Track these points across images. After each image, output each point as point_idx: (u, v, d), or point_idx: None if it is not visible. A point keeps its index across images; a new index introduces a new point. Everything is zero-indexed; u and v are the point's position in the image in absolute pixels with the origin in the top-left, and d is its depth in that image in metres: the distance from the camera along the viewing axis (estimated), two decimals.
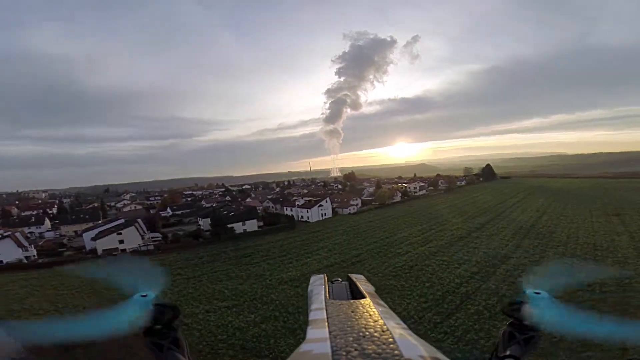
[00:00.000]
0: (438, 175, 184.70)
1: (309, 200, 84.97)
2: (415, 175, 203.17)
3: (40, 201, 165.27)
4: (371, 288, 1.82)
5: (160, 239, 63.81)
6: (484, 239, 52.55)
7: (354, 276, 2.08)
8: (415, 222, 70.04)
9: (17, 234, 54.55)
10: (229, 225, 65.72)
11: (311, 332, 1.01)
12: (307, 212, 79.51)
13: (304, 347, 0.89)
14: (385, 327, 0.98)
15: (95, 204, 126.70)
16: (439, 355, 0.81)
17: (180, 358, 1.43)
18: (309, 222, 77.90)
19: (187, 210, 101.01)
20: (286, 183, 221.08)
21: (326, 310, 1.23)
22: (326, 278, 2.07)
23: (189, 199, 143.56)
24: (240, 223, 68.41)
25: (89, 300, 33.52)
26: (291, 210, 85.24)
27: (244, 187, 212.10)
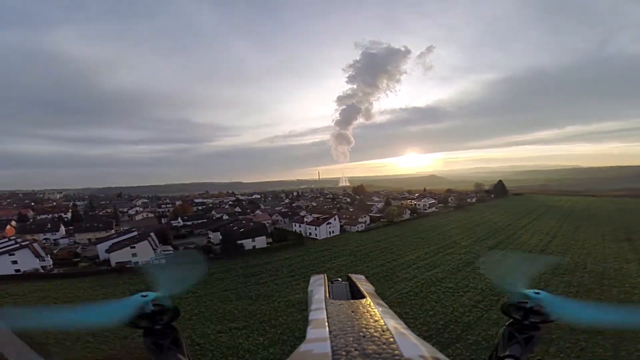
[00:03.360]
0: (448, 190, 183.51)
1: (318, 218, 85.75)
2: (425, 189, 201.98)
3: (54, 203, 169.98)
4: (371, 288, 1.89)
5: (171, 252, 65.30)
6: None
7: (354, 276, 2.17)
8: (424, 243, 69.97)
9: (35, 245, 56.44)
10: (239, 242, 67.02)
11: (311, 332, 1.03)
12: (316, 229, 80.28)
13: (304, 347, 0.91)
14: (385, 327, 0.99)
15: (109, 210, 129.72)
16: (439, 355, 0.82)
17: (180, 358, 1.50)
18: (316, 239, 78.56)
19: (198, 222, 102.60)
20: (295, 194, 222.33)
21: (326, 310, 1.27)
22: (326, 278, 2.14)
23: (200, 208, 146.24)
24: (250, 240, 69.61)
25: None
26: (300, 226, 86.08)
27: (253, 196, 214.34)
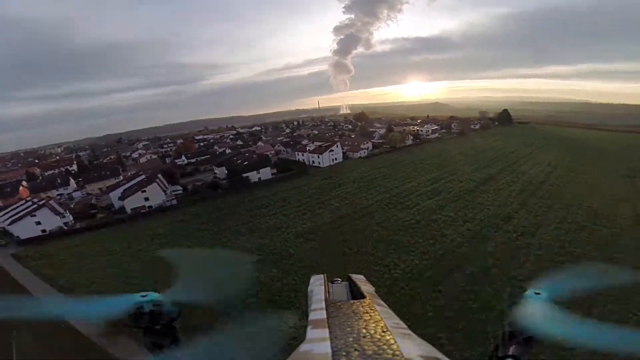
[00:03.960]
0: (452, 117, 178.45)
1: (320, 146, 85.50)
2: (428, 116, 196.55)
3: (57, 157, 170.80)
4: (371, 288, 1.91)
5: (181, 191, 67.26)
6: (491, 194, 53.01)
7: (354, 276, 2.19)
8: (426, 169, 70.56)
9: (51, 202, 57.78)
10: (244, 175, 68.22)
11: (311, 332, 1.04)
12: (319, 157, 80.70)
13: (304, 347, 0.91)
14: (385, 327, 1.00)
15: (112, 157, 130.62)
16: (439, 355, 0.83)
17: (180, 358, 1.54)
18: (320, 167, 79.44)
19: (202, 158, 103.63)
20: (295, 124, 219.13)
21: (326, 310, 1.28)
22: (326, 278, 2.18)
23: (202, 144, 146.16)
24: (255, 172, 70.78)
25: (133, 263, 37.16)
26: (302, 155, 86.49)
27: (253, 128, 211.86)
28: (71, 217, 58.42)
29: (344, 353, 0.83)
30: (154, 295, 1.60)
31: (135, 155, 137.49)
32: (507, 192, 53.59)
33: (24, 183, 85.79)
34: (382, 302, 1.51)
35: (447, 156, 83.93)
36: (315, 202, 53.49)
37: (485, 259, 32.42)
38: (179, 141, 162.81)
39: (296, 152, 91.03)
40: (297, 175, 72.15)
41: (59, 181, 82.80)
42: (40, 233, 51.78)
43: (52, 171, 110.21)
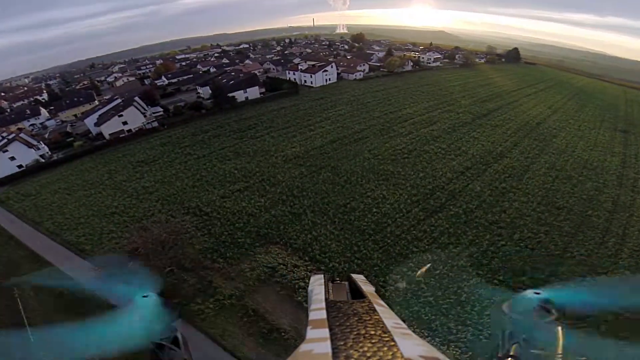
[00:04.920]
0: (457, 47, 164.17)
1: (313, 65, 78.64)
2: (431, 44, 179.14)
3: (26, 88, 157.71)
4: (371, 288, 1.81)
5: (162, 113, 62.38)
6: (486, 129, 50.14)
7: (354, 276, 2.04)
8: (423, 98, 65.98)
9: (22, 135, 52.94)
10: (230, 95, 63.20)
11: (311, 332, 1.03)
12: (311, 77, 74.40)
13: (304, 347, 0.91)
14: (385, 327, 1.00)
15: (85, 82, 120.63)
16: (439, 355, 0.82)
17: (181, 358, 1.48)
18: (312, 87, 73.49)
19: (184, 77, 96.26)
20: (287, 41, 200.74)
21: (326, 310, 1.25)
22: (326, 278, 2.04)
23: (184, 64, 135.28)
24: (242, 91, 65.65)
25: (116, 197, 34.41)
26: (294, 74, 79.68)
27: (241, 46, 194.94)
28: (47, 148, 54.29)
29: (344, 353, 0.84)
30: (155, 295, 1.62)
31: (110, 79, 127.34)
32: (503, 130, 50.91)
33: None
34: (382, 302, 1.44)
35: (447, 86, 78.44)
36: (306, 124, 49.76)
37: (471, 200, 30.91)
38: (158, 61, 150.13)
39: (287, 71, 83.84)
40: (287, 95, 66.74)
41: (28, 112, 76.59)
42: (17, 169, 47.97)
43: (22, 102, 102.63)
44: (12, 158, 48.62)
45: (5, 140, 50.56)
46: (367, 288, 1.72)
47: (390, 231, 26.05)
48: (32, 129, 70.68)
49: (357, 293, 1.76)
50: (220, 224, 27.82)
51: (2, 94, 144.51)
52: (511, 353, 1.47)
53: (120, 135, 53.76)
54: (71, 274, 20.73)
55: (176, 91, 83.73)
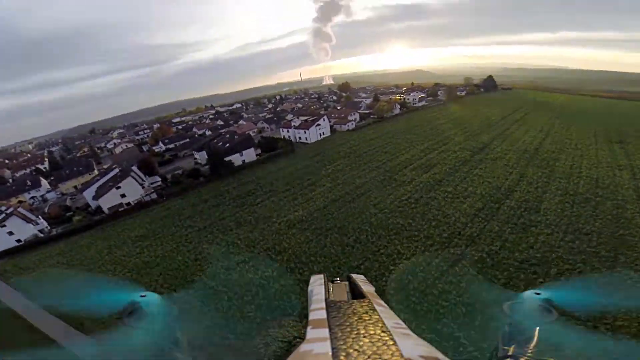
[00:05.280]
0: (437, 84, 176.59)
1: (306, 120, 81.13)
2: (412, 83, 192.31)
3: (29, 155, 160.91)
4: (371, 288, 1.85)
5: (160, 183, 62.97)
6: (488, 164, 51.01)
7: (354, 276, 2.10)
8: (417, 139, 67.82)
9: (20, 209, 53.11)
10: (227, 159, 64.18)
11: (311, 332, 1.04)
12: (305, 132, 76.60)
13: (304, 347, 0.91)
14: (385, 327, 1.00)
15: (85, 149, 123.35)
16: (439, 355, 0.82)
17: (180, 357, 1.47)
18: (307, 143, 75.51)
19: (181, 142, 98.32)
20: (278, 98, 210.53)
21: (326, 310, 1.26)
22: (326, 278, 2.08)
23: (180, 127, 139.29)
24: (238, 154, 66.73)
25: (116, 271, 34.04)
26: (288, 131, 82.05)
27: (234, 106, 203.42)
28: (45, 223, 54.31)
29: (344, 353, 0.84)
30: (153, 296, 1.61)
31: (110, 145, 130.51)
32: (504, 162, 51.59)
33: None
34: (382, 302, 1.46)
35: (437, 125, 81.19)
36: (306, 184, 50.12)
37: (493, 241, 30.14)
38: (155, 125, 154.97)
39: (281, 129, 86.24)
40: (283, 155, 68.25)
41: (29, 183, 77.06)
42: (16, 243, 48.43)
43: (24, 171, 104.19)
44: (10, 233, 48.85)
45: (4, 215, 50.80)
46: (367, 288, 1.74)
47: (414, 287, 24.94)
48: (33, 202, 71.50)
49: (357, 293, 1.74)
50: (227, 298, 26.96)
51: (6, 161, 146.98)
52: (510, 353, 1.48)
53: (120, 209, 53.64)
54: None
55: (174, 157, 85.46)
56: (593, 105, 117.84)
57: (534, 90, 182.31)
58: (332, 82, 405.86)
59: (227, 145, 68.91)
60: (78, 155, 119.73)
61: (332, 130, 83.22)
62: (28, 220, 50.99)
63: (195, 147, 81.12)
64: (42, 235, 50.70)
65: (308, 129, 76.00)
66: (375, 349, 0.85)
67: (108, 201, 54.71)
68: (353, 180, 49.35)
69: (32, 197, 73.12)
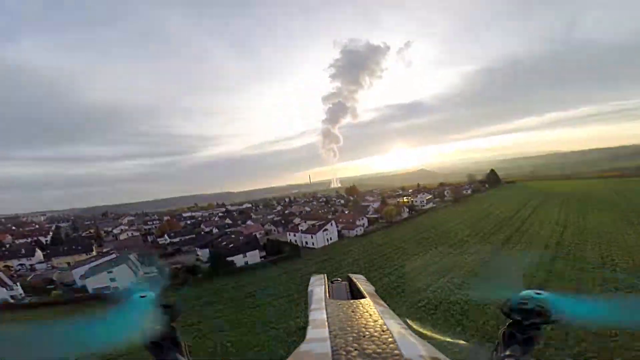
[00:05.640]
0: (442, 184, 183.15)
1: (313, 225, 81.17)
2: (418, 185, 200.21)
3: (37, 226, 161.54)
4: (371, 288, 1.82)
5: (155, 274, 59.91)
6: (509, 265, 48.50)
7: (354, 276, 2.08)
8: (429, 243, 65.31)
9: (0, 273, 51.66)
10: (229, 259, 62.48)
11: (311, 332, 1.03)
12: (312, 237, 75.76)
13: (304, 347, 0.91)
14: (385, 326, 1.01)
15: (91, 231, 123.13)
16: (439, 355, 0.82)
17: (180, 358, 1.46)
18: (314, 248, 74.00)
19: (187, 237, 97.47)
20: (287, 200, 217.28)
21: (326, 310, 1.26)
22: (326, 278, 2.04)
23: (189, 222, 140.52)
24: (241, 255, 64.99)
25: None
26: (294, 235, 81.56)
27: (244, 206, 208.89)
28: (21, 290, 52.43)
29: (343, 353, 0.83)
30: (153, 295, 1.51)
31: (117, 230, 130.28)
32: (527, 261, 48.55)
33: None
34: (382, 302, 1.45)
35: (448, 227, 78.77)
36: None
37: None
38: (165, 218, 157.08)
39: (288, 232, 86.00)
40: (288, 258, 66.06)
41: (23, 251, 76.13)
42: None
43: (25, 240, 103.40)
44: None
45: None
46: (367, 288, 1.74)
47: None
48: (19, 269, 69.96)
49: (357, 293, 1.74)
50: None
51: (13, 227, 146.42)
52: (507, 353, 1.44)
53: (105, 292, 50.48)
54: None
55: (176, 251, 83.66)
56: (598, 188, 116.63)
57: (536, 181, 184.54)
58: (340, 185, 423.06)
59: (232, 245, 68.22)
60: (83, 234, 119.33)
61: (340, 235, 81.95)
62: (2, 284, 50.04)
63: (200, 244, 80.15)
64: (12, 301, 49.29)
65: (315, 234, 75.39)
66: (375, 348, 0.84)
67: (95, 282, 52.10)
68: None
69: (21, 264, 71.73)
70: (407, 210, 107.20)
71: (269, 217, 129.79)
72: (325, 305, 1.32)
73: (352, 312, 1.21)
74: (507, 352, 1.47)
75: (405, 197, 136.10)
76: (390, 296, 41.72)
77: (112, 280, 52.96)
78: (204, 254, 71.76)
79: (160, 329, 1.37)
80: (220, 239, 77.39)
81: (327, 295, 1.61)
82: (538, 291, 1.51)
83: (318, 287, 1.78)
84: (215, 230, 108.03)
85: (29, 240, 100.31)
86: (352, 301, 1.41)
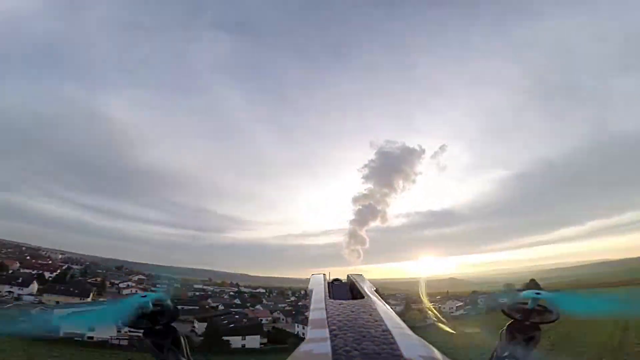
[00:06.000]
0: (474, 292, 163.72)
1: None
2: (448, 292, 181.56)
3: (50, 262, 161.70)
4: (371, 288, 1.77)
5: (140, 334, 52.94)
6: None
7: (354, 276, 2.05)
8: (455, 355, 52.90)
9: None
10: (225, 338, 57.69)
11: (311, 332, 1.03)
12: None
13: (304, 347, 0.90)
14: (385, 327, 0.99)
15: (97, 279, 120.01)
16: (439, 355, 0.82)
17: (180, 358, 1.50)
18: None
19: (188, 307, 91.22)
20: (302, 292, 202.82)
21: (326, 310, 1.23)
22: (326, 278, 2.05)
23: (198, 294, 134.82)
24: (240, 337, 59.76)
25: None
26: (304, 328, 71.58)
27: (257, 290, 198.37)
28: None
29: (344, 353, 0.81)
30: (153, 296, 1.61)
31: (122, 285, 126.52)
32: None
33: None
34: (382, 302, 1.43)
35: (480, 337, 65.09)
36: None
37: None
38: (176, 285, 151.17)
39: (296, 324, 77.02)
40: (292, 350, 56.67)
41: (20, 280, 74.59)
42: None
43: (30, 271, 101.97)
44: None
45: None
46: (367, 288, 1.69)
47: None
48: (6, 295, 69.28)
49: (357, 293, 1.70)
50: None
51: (27, 257, 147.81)
52: (508, 353, 1.45)
53: (76, 338, 46.60)
54: None
55: None
56: None
57: (581, 288, 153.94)
58: None
59: (232, 325, 64.50)
60: (88, 280, 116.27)
61: None
62: None
63: (200, 317, 75.85)
64: None
65: None
66: (375, 348, 0.83)
67: (70, 327, 46.04)
68: None
69: (9, 291, 70.37)
70: (434, 317, 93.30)
71: (280, 305, 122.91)
72: (326, 305, 1.28)
73: (352, 312, 1.18)
74: (508, 352, 1.44)
75: (432, 303, 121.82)
76: None
77: (92, 329, 47.11)
78: (199, 327, 67.65)
79: (160, 329, 1.39)
80: (222, 317, 73.15)
81: (327, 295, 1.55)
82: (538, 291, 1.47)
83: (318, 287, 1.70)
84: (221, 307, 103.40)
85: (34, 272, 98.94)
86: (352, 301, 1.39)
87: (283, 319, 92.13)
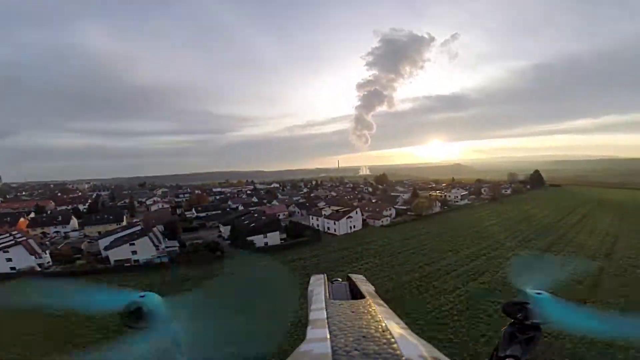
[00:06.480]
0: (479, 180, 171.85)
1: (337, 211, 78.23)
2: (453, 179, 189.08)
3: (80, 193, 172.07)
4: (371, 288, 1.85)
5: (177, 248, 60.38)
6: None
7: (354, 276, 2.11)
8: (461, 243, 60.32)
9: (30, 241, 53.23)
10: (249, 238, 61.90)
11: (311, 332, 1.04)
12: (335, 223, 73.13)
13: (304, 347, 0.92)
14: (385, 326, 1.01)
15: (126, 201, 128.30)
16: (439, 355, 0.83)
17: (179, 358, 1.54)
18: (336, 234, 71.55)
19: (213, 213, 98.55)
20: (314, 183, 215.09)
21: (326, 310, 1.26)
22: (326, 278, 2.07)
23: (218, 197, 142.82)
24: (262, 235, 64.13)
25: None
26: (317, 219, 79.30)
27: (272, 185, 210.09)
28: (49, 259, 53.78)
29: (344, 353, 0.83)
30: (153, 296, 1.65)
31: (149, 202, 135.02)
32: (569, 269, 43.12)
33: (32, 215, 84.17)
34: (382, 302, 1.49)
35: (483, 226, 73.29)
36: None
37: None
38: (196, 192, 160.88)
39: (310, 216, 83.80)
40: (309, 243, 64.18)
41: (59, 218, 79.76)
42: (10, 270, 49.07)
43: (65, 207, 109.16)
44: (9, 259, 49.86)
45: (13, 242, 51.89)
46: (367, 288, 1.76)
47: None
48: (55, 236, 73.62)
49: (357, 293, 1.76)
50: None
51: (59, 194, 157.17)
52: (508, 353, 1.45)
53: (126, 264, 51.78)
54: None
55: (201, 226, 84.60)
56: None
57: (583, 185, 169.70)
58: (369, 172, 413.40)
59: (253, 224, 67.22)
60: (118, 204, 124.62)
61: (365, 224, 78.77)
62: (32, 252, 50.86)
63: (223, 220, 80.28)
64: (39, 269, 50.19)
65: (338, 220, 72.71)
66: (375, 348, 0.84)
67: (117, 254, 53.11)
68: (383, 284, 42.36)
69: (56, 232, 75.30)
70: (440, 204, 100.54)
71: (294, 198, 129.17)
72: (326, 305, 1.32)
73: (352, 312, 1.21)
74: (508, 352, 1.44)
75: (437, 191, 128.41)
76: (411, 296, 38.45)
77: (134, 253, 53.84)
78: (225, 230, 71.71)
79: (159, 328, 1.44)
80: (243, 217, 76.82)
81: (327, 295, 1.59)
82: (539, 291, 1.49)
83: (318, 287, 1.75)
84: (241, 207, 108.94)
85: (68, 207, 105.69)
86: (352, 301, 1.42)
87: (298, 212, 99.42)
